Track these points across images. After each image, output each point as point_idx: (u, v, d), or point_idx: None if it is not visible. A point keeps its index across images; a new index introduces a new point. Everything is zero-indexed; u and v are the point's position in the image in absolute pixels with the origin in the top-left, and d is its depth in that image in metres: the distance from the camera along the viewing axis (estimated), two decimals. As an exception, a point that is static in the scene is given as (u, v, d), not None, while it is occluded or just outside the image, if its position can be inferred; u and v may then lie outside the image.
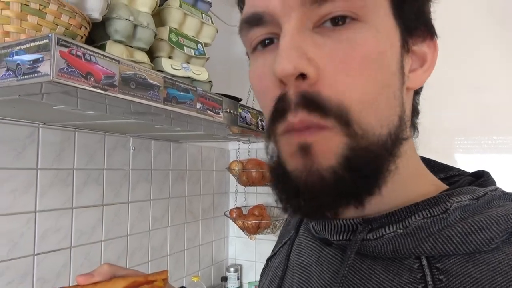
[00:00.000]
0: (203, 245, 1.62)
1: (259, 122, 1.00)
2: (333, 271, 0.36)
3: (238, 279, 1.70)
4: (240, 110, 0.91)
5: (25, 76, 0.48)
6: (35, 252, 0.92)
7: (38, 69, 0.47)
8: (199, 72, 0.86)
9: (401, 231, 0.32)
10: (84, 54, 0.50)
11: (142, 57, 0.74)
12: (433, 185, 0.36)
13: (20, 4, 0.53)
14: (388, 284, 0.32)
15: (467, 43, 1.41)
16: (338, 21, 0.29)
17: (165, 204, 1.39)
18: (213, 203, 1.69)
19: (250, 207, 1.59)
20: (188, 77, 0.83)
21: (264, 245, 1.73)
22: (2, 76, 0.50)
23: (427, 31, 0.34)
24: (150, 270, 1.30)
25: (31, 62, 0.47)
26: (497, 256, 0.29)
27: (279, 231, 1.60)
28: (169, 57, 0.83)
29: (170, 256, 1.40)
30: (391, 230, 0.32)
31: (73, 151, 1.03)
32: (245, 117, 0.93)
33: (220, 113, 0.83)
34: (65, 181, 1.00)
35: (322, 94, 0.29)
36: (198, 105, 0.75)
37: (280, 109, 0.30)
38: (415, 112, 0.37)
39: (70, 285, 0.45)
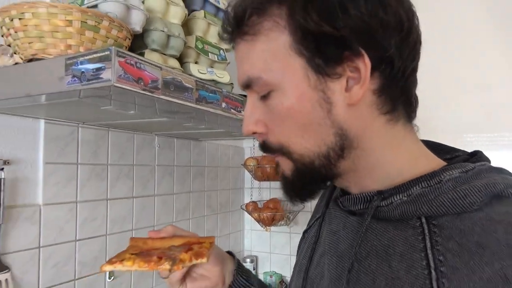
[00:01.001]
0: (221, 237, 1.72)
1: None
2: (356, 232, 0.46)
3: (254, 269, 1.80)
4: (258, 109, 1.01)
5: (89, 82, 0.58)
6: (77, 238, 1.03)
7: (101, 76, 0.57)
8: (222, 75, 0.96)
9: (406, 198, 0.42)
10: (136, 63, 0.60)
11: (174, 63, 0.84)
12: (434, 163, 0.45)
13: (80, 22, 0.63)
14: (397, 238, 0.42)
15: (476, 44, 1.46)
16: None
17: (187, 198, 1.49)
18: (230, 198, 1.80)
19: (265, 201, 1.69)
20: (213, 80, 0.93)
21: (278, 237, 1.83)
22: (68, 82, 0.60)
23: (353, 55, 0.41)
24: (174, 258, 1.41)
25: (94, 70, 0.58)
26: (478, 214, 0.39)
27: (292, 223, 1.70)
28: (196, 62, 0.93)
29: (191, 246, 1.50)
30: (398, 198, 0.43)
31: (107, 148, 1.14)
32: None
33: (242, 111, 0.92)
34: (101, 175, 1.11)
35: (269, 141, 0.47)
36: (223, 105, 0.85)
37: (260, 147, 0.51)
38: (401, 97, 0.45)
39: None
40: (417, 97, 0.47)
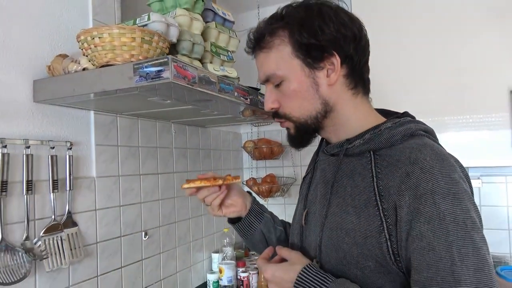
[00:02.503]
0: (226, 209, 2.01)
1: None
2: (334, 165, 0.76)
3: (255, 237, 2.10)
4: (259, 97, 1.30)
5: (153, 79, 0.86)
6: (121, 204, 1.31)
7: (161, 75, 0.85)
8: (231, 71, 1.24)
9: (362, 141, 0.72)
10: (183, 66, 0.88)
11: (197, 64, 1.12)
12: (379, 120, 0.75)
13: (140, 38, 0.91)
14: (357, 164, 0.71)
15: (444, 30, 1.56)
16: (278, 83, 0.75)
17: (198, 175, 1.77)
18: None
19: (263, 177, 1.99)
20: (225, 75, 1.21)
21: (275, 208, 2.13)
22: (136, 80, 0.88)
23: (329, 55, 0.70)
24: (191, 225, 1.70)
25: (157, 71, 0.85)
26: (400, 145, 0.68)
27: (286, 195, 1.99)
28: (211, 62, 1.21)
29: (203, 216, 1.79)
30: (358, 142, 0.72)
31: (138, 133, 1.41)
32: (262, 102, 1.32)
33: (248, 98, 1.21)
34: (134, 155, 1.39)
35: (279, 112, 0.76)
36: (236, 94, 1.14)
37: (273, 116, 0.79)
38: (360, 79, 0.74)
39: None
40: (369, 79, 0.77)
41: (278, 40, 0.73)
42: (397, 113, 0.80)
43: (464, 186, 0.62)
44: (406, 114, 0.76)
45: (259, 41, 0.75)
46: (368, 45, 0.75)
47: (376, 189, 0.66)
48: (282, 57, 0.73)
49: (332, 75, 0.71)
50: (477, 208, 0.62)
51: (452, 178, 0.61)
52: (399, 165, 0.64)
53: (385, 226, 0.63)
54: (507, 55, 1.45)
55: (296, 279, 0.68)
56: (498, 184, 1.75)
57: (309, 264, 0.70)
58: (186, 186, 0.80)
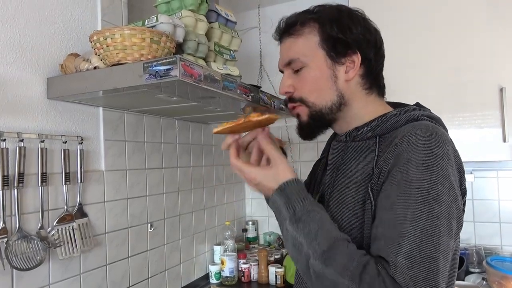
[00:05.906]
0: (228, 203, 2.07)
1: (273, 103, 1.44)
2: (342, 150, 0.82)
3: (255, 230, 2.16)
4: (260, 94, 1.36)
5: (162, 78, 0.92)
6: (128, 197, 1.37)
7: (170, 74, 0.91)
8: (233, 70, 1.30)
9: (369, 128, 0.78)
10: (189, 64, 0.94)
11: (202, 62, 1.18)
12: (388, 110, 0.80)
13: (150, 38, 0.96)
14: (364, 147, 0.77)
15: (442, 30, 1.61)
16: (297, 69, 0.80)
17: (201, 170, 1.83)
18: (233, 172, 2.14)
19: (263, 172, 2.04)
20: (227, 74, 1.27)
21: (274, 203, 2.19)
22: (146, 78, 0.93)
23: (352, 53, 0.77)
24: (194, 218, 1.76)
25: (165, 70, 0.91)
26: (400, 128, 0.73)
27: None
28: (214, 61, 1.27)
29: (206, 210, 1.85)
30: (365, 129, 0.78)
31: (144, 129, 1.47)
32: (264, 98, 1.38)
33: (249, 96, 1.27)
34: (140, 150, 1.45)
35: (293, 96, 0.81)
36: (238, 91, 1.19)
37: (285, 101, 0.83)
38: (375, 82, 0.81)
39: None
40: (384, 84, 0.83)
41: (308, 29, 0.79)
42: (406, 104, 0.85)
43: (445, 162, 0.66)
44: (416, 104, 0.83)
45: (289, 27, 0.81)
46: (384, 54, 0.82)
47: (374, 164, 0.72)
48: (309, 45, 0.79)
49: (350, 72, 0.78)
50: (454, 186, 0.66)
51: (433, 152, 0.66)
52: (394, 141, 0.71)
53: (370, 194, 0.70)
54: (498, 54, 1.51)
55: (279, 185, 0.72)
56: (490, 179, 1.81)
57: (295, 180, 0.74)
58: (215, 130, 0.81)
